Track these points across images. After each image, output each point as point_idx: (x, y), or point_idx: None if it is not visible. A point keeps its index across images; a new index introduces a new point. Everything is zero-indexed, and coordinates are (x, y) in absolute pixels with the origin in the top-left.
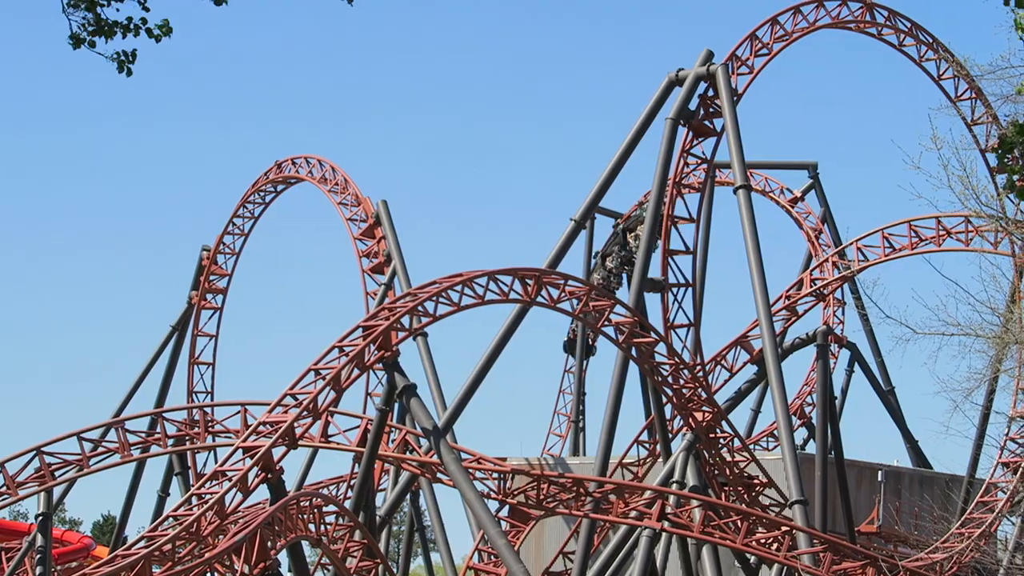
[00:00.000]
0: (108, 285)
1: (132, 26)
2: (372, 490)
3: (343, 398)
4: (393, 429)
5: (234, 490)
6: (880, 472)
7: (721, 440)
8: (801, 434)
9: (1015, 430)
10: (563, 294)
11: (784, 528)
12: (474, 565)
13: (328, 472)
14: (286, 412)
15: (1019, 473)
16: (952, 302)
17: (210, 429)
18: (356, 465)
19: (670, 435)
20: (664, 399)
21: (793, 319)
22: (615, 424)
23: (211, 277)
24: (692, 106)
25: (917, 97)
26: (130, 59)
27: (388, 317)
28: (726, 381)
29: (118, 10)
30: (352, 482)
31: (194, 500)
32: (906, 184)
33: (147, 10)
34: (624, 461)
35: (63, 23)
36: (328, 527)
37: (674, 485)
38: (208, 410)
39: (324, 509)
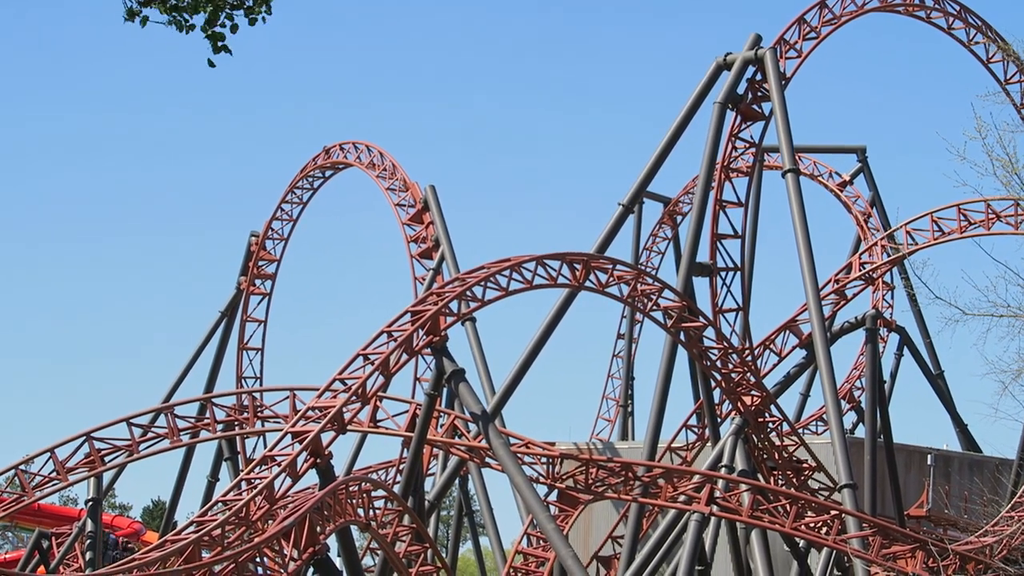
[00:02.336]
0: (157, 271)
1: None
2: (421, 475)
3: (392, 383)
4: (442, 414)
5: (283, 475)
6: (929, 456)
7: (770, 424)
8: (850, 418)
9: None
10: (611, 279)
11: (833, 512)
12: (523, 549)
13: (377, 457)
14: (335, 397)
15: None
16: (1002, 283)
17: (259, 414)
18: (405, 450)
19: (719, 419)
20: (713, 383)
21: (842, 303)
22: (664, 409)
23: (260, 263)
24: (740, 90)
25: (966, 80)
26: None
27: (436, 302)
28: (775, 365)
29: None
30: (401, 467)
31: (243, 485)
32: (952, 172)
33: None
34: (673, 445)
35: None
36: (377, 512)
37: (723, 469)
38: (257, 395)
39: (373, 494)
